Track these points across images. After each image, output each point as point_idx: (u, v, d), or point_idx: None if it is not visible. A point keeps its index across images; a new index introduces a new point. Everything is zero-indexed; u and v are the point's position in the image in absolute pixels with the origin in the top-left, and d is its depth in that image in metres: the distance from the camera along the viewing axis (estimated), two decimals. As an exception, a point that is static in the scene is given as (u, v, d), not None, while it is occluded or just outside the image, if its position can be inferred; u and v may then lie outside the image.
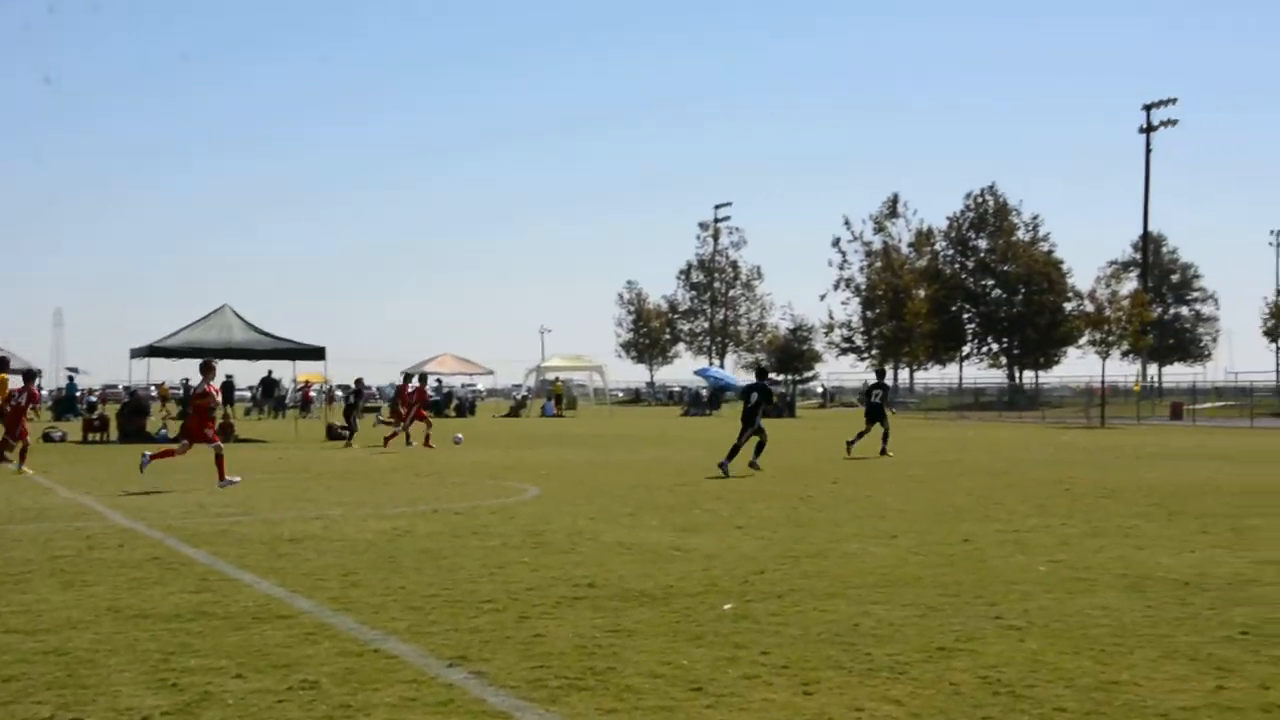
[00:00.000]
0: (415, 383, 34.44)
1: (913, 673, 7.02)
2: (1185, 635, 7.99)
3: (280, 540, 12.71)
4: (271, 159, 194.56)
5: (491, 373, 78.17)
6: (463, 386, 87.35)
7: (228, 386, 53.60)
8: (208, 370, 20.38)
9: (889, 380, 30.37)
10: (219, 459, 19.09)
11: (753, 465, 22.18)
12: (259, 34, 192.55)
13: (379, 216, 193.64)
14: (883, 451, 27.50)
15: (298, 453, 29.72)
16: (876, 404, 28.98)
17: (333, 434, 36.23)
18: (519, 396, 74.19)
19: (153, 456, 19.61)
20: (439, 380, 68.38)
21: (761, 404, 22.83)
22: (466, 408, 66.99)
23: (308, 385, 65.73)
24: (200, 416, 19.75)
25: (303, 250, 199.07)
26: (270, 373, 58.51)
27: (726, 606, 9.00)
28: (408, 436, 32.46)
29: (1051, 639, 7.87)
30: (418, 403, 32.79)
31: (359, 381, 35.97)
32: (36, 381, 29.60)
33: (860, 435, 27.99)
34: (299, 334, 38.77)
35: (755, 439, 22.46)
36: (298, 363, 42.20)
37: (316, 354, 38.16)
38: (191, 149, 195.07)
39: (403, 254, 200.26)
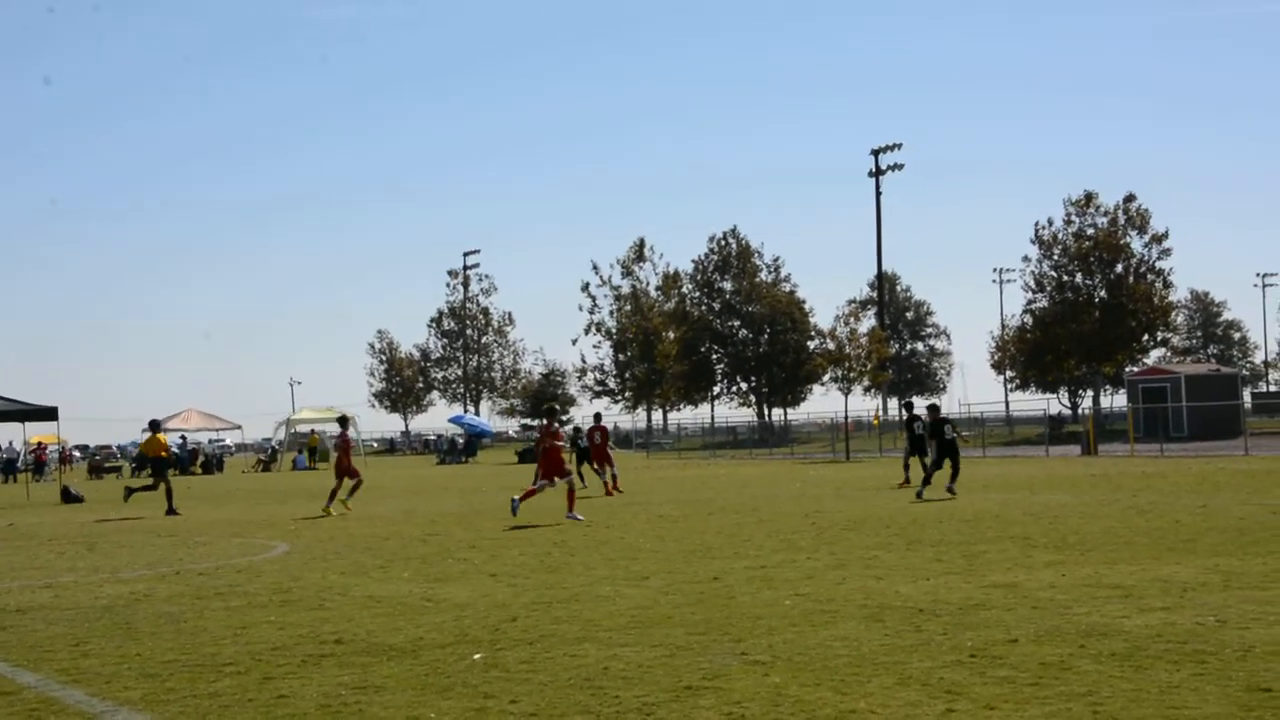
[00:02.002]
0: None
1: (659, 713, 7.10)
2: (919, 661, 8.30)
3: (4, 612, 12.05)
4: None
5: (239, 427, 76.14)
6: (210, 442, 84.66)
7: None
8: None
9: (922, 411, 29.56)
10: None
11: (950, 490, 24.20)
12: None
13: (117, 267, 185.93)
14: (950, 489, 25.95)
15: (30, 518, 28.26)
16: (920, 436, 28.74)
17: (67, 497, 34.60)
18: (269, 450, 72.26)
19: None
20: (183, 437, 66.19)
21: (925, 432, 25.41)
22: (214, 464, 64.92)
23: (41, 447, 62.95)
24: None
25: (29, 306, 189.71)
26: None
27: (477, 656, 8.94)
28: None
29: (794, 672, 8.07)
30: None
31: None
32: None
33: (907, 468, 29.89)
34: (30, 394, 36.99)
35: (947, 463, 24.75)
36: (28, 424, 40.24)
37: (48, 414, 36.44)
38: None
39: (143, 306, 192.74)
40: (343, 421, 28.32)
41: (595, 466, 31.45)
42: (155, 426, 29.55)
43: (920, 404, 31.15)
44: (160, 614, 11.54)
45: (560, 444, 22.31)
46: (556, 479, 21.78)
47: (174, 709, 7.56)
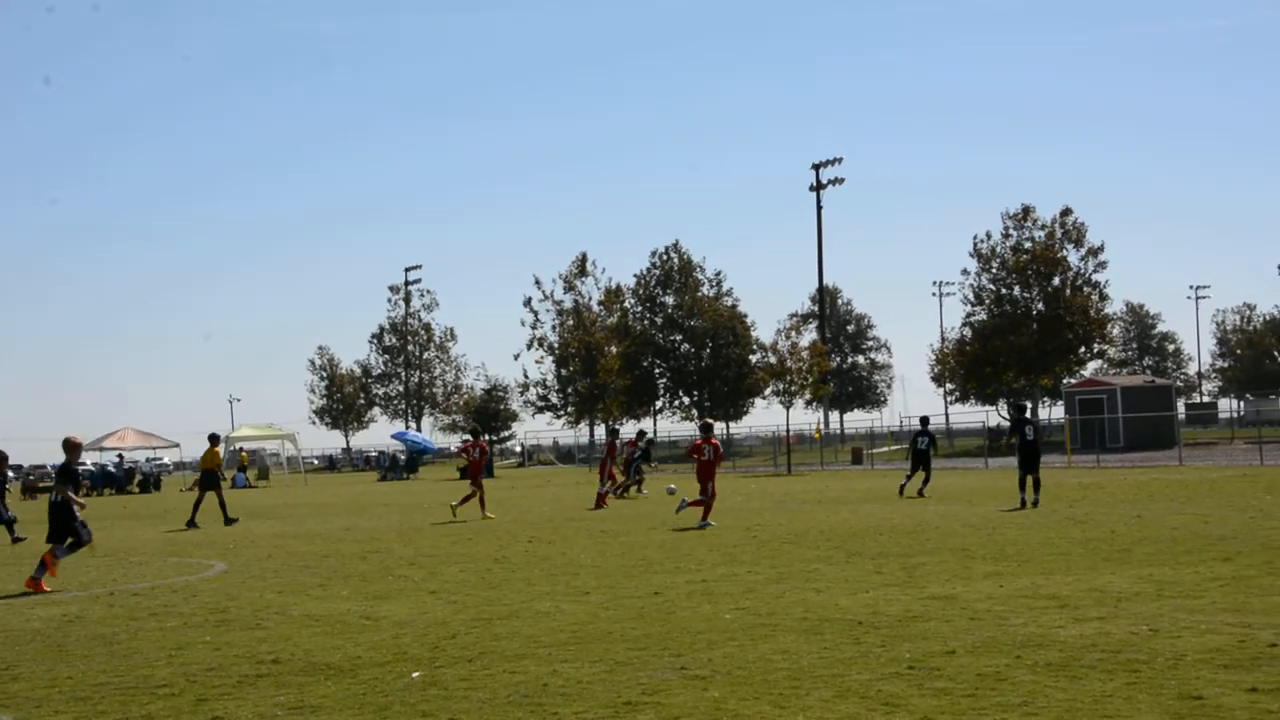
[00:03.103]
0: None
1: (598, 729, 7.08)
2: (857, 674, 8.33)
3: (-66, 635, 11.83)
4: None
5: (177, 445, 75.24)
6: (147, 461, 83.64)
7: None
8: None
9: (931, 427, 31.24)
10: None
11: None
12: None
13: (49, 288, 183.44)
14: (920, 493, 29.45)
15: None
16: (923, 450, 30.53)
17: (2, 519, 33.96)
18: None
19: None
20: (120, 456, 65.38)
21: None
22: (151, 483, 64.13)
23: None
24: None
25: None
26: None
27: (415, 675, 8.88)
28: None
29: (734, 686, 8.08)
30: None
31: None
32: None
33: (909, 479, 30.38)
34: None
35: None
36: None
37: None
38: None
39: (78, 324, 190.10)
40: (474, 433, 29.46)
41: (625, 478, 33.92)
42: (214, 440, 29.75)
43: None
44: (93, 636, 11.38)
45: (719, 456, 23.49)
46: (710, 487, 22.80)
47: (106, 732, 7.46)
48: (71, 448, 16.67)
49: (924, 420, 32.31)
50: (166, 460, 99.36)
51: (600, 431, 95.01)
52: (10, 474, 27.51)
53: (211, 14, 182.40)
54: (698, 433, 25.16)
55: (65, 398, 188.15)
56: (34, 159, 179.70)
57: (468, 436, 23.98)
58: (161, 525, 29.76)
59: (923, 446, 30.51)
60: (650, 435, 38.11)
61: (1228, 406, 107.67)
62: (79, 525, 15.99)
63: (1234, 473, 35.05)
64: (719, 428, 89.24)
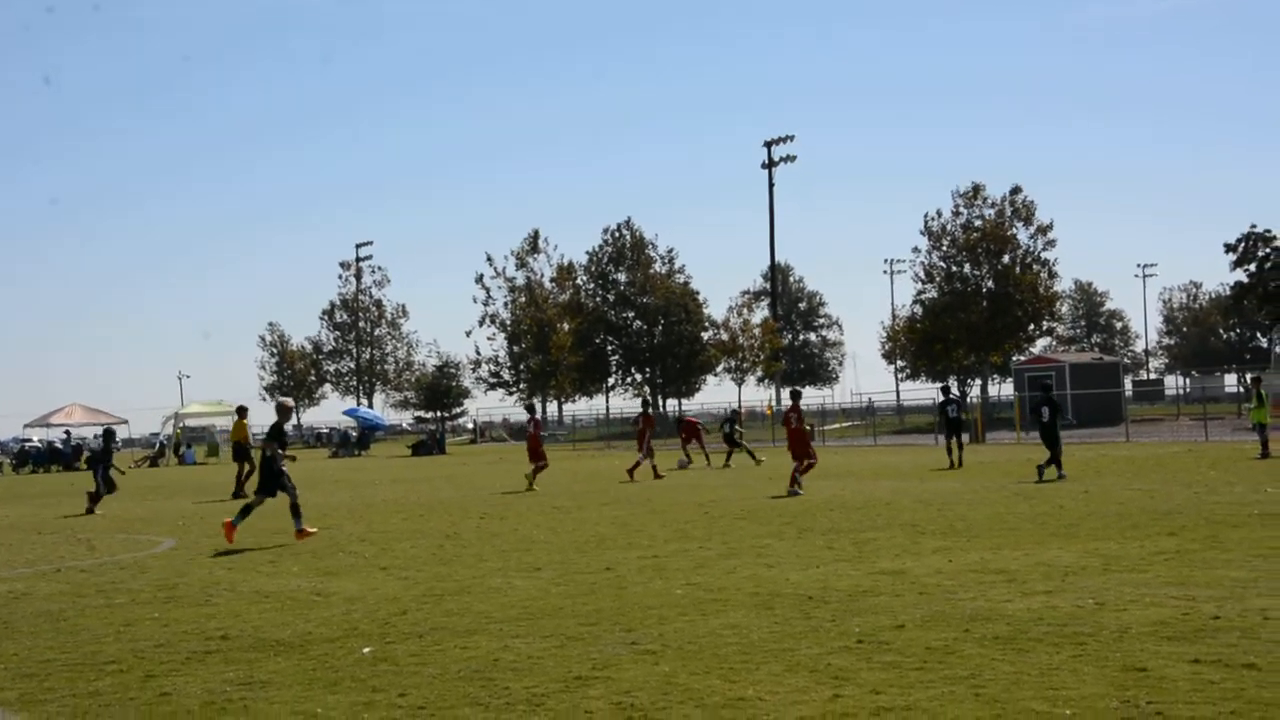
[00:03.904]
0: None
1: (549, 704, 7.09)
2: (807, 648, 8.38)
3: (-123, 613, 11.68)
4: None
5: (125, 422, 74.63)
6: (95, 437, 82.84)
7: None
8: None
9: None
10: None
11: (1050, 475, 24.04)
12: None
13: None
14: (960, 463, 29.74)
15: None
16: (955, 418, 30.85)
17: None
18: (157, 445, 70.92)
19: None
20: (67, 432, 64.76)
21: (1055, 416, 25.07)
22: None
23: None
24: None
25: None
26: None
27: (366, 650, 8.86)
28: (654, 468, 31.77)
29: (684, 660, 8.11)
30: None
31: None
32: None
33: (952, 450, 30.29)
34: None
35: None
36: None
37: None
38: None
39: (27, 303, 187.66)
40: (530, 409, 31.58)
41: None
42: (242, 413, 30.88)
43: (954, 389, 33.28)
44: (39, 612, 11.28)
45: (807, 426, 24.38)
46: (806, 460, 23.50)
47: (52, 709, 7.39)
48: (284, 410, 18.74)
49: (946, 389, 33.34)
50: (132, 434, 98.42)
51: (552, 409, 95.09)
52: (117, 447, 28.23)
53: (154, 6, 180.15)
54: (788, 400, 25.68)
55: (10, 375, 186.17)
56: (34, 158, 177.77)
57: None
58: (110, 502, 29.47)
59: (954, 414, 31.05)
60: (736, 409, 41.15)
61: (1174, 383, 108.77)
62: (286, 480, 17.37)
63: (1179, 448, 35.49)
64: (670, 404, 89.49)
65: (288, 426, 18.85)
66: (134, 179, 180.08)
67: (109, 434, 28.27)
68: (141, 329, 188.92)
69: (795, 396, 25.27)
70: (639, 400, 42.84)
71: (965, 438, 31.01)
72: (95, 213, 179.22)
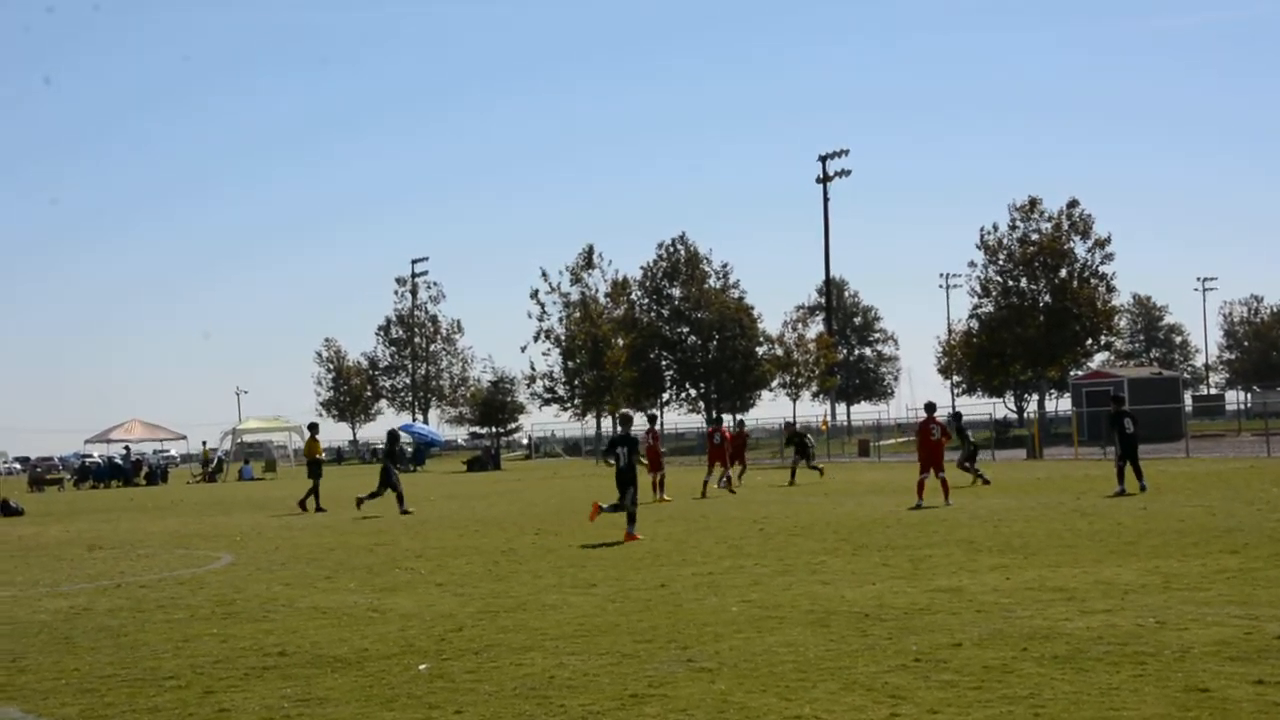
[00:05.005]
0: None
1: (605, 721, 7.09)
2: (864, 666, 8.33)
3: (-58, 627, 11.86)
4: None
5: (184, 437, 75.50)
6: (154, 453, 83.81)
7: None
8: None
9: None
10: None
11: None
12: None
13: (55, 282, 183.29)
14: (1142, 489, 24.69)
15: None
16: (1130, 436, 25.46)
17: (6, 510, 34.12)
18: (215, 460, 71.63)
19: None
20: (126, 448, 65.51)
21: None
22: (159, 475, 64.25)
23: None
24: None
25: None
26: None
27: (422, 667, 8.89)
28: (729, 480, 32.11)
29: (740, 679, 8.08)
30: (729, 445, 32.67)
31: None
32: None
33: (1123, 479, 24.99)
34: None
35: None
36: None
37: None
38: None
39: (83, 318, 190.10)
40: (652, 419, 33.05)
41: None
42: (314, 429, 31.85)
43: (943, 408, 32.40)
44: (100, 628, 11.41)
45: (947, 435, 24.54)
46: (934, 471, 23.51)
47: (113, 724, 7.47)
48: (624, 419, 20.46)
49: (1118, 400, 27.74)
50: (173, 452, 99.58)
51: (607, 424, 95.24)
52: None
53: (209, 8, 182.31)
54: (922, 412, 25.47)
55: (72, 391, 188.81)
56: (34, 158, 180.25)
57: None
58: (169, 517, 29.80)
59: (1130, 430, 25.57)
60: (799, 428, 40.28)
61: (1235, 398, 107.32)
62: (633, 489, 18.84)
63: (1241, 465, 35.01)
64: (726, 419, 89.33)
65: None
66: (181, 188, 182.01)
67: (393, 435, 30.37)
68: (200, 344, 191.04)
69: (930, 409, 24.93)
70: (709, 415, 42.62)
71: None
72: (148, 223, 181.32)
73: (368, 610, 11.96)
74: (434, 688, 8.18)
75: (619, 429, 20.33)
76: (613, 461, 19.49)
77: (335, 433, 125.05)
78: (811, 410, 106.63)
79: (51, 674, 9.14)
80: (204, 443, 71.44)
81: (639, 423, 21.08)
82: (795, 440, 38.86)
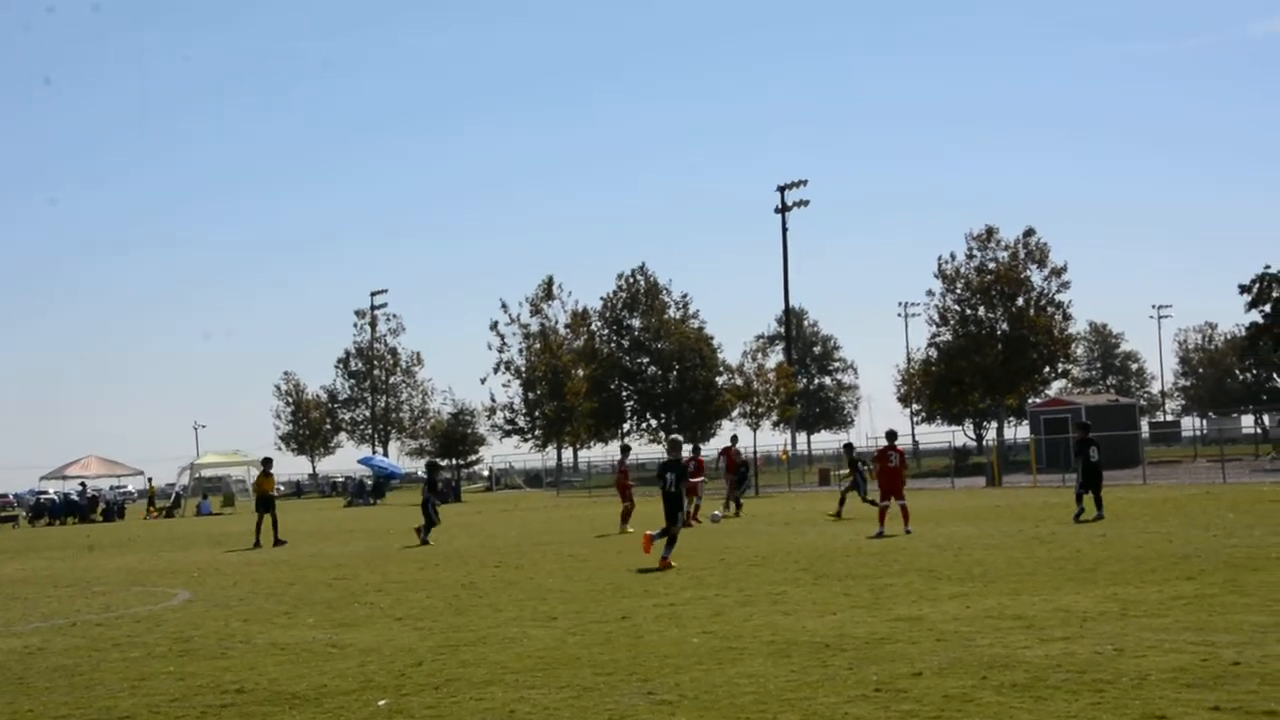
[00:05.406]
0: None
1: (565, 756, 7.06)
2: (824, 696, 8.34)
3: (-106, 668, 11.69)
4: None
5: (141, 473, 74.76)
6: (111, 489, 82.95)
7: None
8: None
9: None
10: None
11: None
12: None
13: (9, 318, 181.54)
14: (1099, 517, 24.40)
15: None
16: (1095, 464, 25.21)
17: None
18: (173, 496, 70.99)
19: None
20: (83, 484, 64.83)
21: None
22: (115, 511, 63.61)
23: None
24: None
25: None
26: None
27: (381, 703, 8.84)
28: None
29: (701, 711, 8.07)
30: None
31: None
32: None
33: (1081, 504, 25.01)
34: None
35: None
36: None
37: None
38: None
39: (40, 354, 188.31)
40: (624, 450, 33.32)
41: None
42: (267, 464, 32.04)
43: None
44: (55, 667, 11.27)
45: (904, 464, 24.56)
46: (894, 498, 23.66)
47: (67, 765, 7.38)
48: (674, 445, 21.11)
49: (1084, 427, 27.14)
50: (131, 488, 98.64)
51: (568, 455, 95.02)
52: (441, 481, 29.83)
53: (174, 41, 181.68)
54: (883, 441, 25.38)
55: (27, 427, 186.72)
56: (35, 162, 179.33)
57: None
58: (126, 554, 29.50)
59: (1095, 458, 25.33)
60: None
61: (1190, 425, 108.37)
62: (684, 514, 19.61)
63: (1197, 490, 35.30)
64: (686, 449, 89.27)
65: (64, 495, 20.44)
66: (136, 225, 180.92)
67: (433, 466, 30.93)
68: (156, 380, 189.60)
69: (891, 437, 25.09)
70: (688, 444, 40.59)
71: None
72: (103, 260, 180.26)
73: (326, 646, 11.87)
74: (394, 724, 8.12)
75: (668, 455, 20.49)
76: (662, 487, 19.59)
77: (295, 466, 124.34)
78: (772, 440, 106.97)
79: (5, 715, 9.03)
80: (149, 480, 71.00)
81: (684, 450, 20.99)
82: (852, 464, 34.45)
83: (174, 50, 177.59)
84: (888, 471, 23.95)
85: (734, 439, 35.60)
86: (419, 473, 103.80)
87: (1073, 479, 26.60)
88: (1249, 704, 7.57)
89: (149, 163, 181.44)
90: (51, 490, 70.48)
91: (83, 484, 65.07)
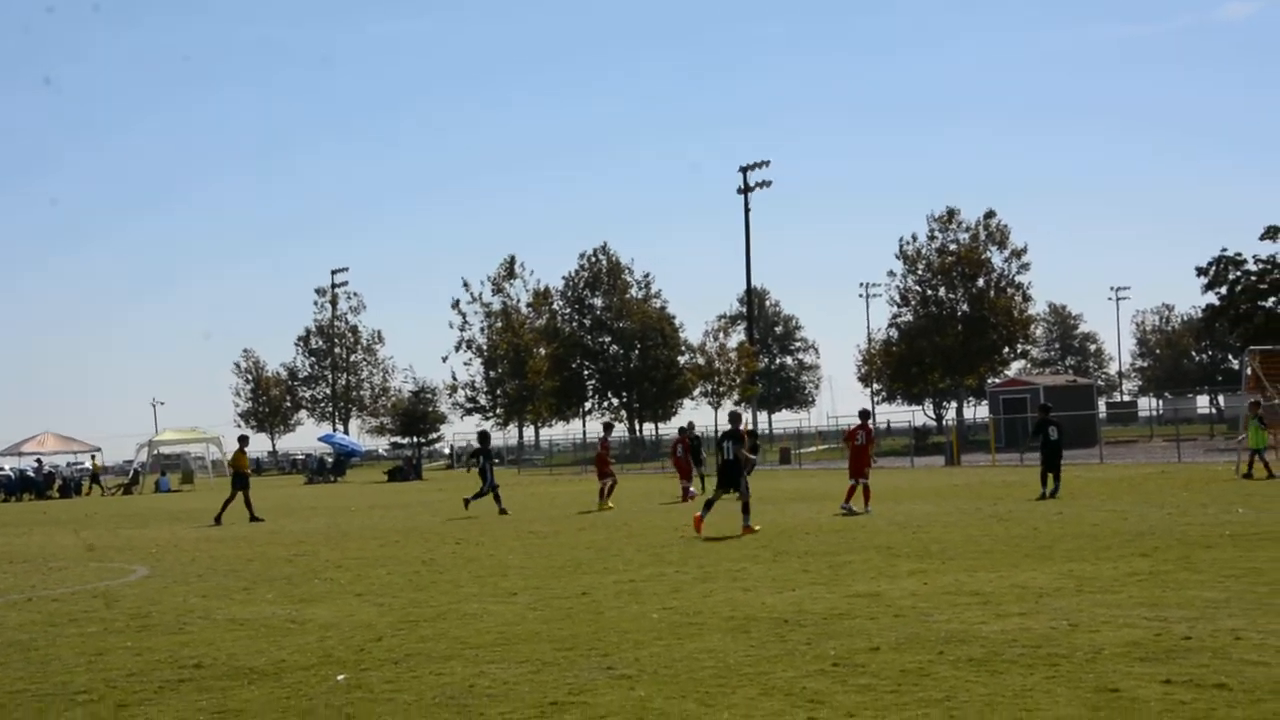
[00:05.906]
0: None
1: (524, 729, 7.08)
2: (783, 671, 8.39)
3: None
4: None
5: (99, 450, 74.18)
6: (69, 465, 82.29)
7: None
8: None
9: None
10: None
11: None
12: None
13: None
14: (1054, 494, 24.87)
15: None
16: (1054, 442, 25.50)
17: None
18: (131, 472, 70.51)
19: None
20: (39, 460, 64.30)
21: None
22: (73, 488, 63.15)
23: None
24: None
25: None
26: None
27: (340, 678, 8.83)
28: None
29: (660, 685, 8.11)
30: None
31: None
32: None
33: (1045, 484, 25.14)
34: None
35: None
36: None
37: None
38: None
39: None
40: (607, 427, 32.80)
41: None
42: (243, 442, 31.23)
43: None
44: (9, 642, 11.19)
45: (871, 446, 24.60)
46: (860, 479, 23.65)
47: (23, 740, 7.34)
48: (734, 417, 21.08)
49: (1045, 408, 27.16)
50: (88, 465, 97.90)
51: (529, 434, 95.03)
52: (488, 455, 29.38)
53: (139, 25, 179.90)
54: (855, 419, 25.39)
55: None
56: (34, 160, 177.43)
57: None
58: (83, 530, 29.30)
59: (1054, 437, 25.62)
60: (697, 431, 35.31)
61: (1147, 405, 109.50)
62: (744, 480, 19.90)
63: (1152, 470, 35.66)
64: (648, 428, 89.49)
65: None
66: (100, 204, 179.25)
67: (484, 436, 30.36)
68: (114, 356, 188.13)
69: (863, 416, 25.20)
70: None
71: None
72: (67, 238, 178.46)
73: (286, 621, 11.84)
74: (352, 698, 8.12)
75: (730, 424, 20.77)
76: (721, 456, 20.17)
77: (255, 443, 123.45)
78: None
79: (-41, 690, 8.96)
80: (92, 457, 70.58)
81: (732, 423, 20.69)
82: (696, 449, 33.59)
83: (172, 48, 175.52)
84: (854, 450, 24.07)
85: (687, 427, 35.42)
86: (379, 450, 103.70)
87: (1031, 458, 26.93)
88: (1200, 677, 7.67)
89: (109, 148, 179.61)
90: (7, 467, 69.88)
91: (39, 460, 64.54)
